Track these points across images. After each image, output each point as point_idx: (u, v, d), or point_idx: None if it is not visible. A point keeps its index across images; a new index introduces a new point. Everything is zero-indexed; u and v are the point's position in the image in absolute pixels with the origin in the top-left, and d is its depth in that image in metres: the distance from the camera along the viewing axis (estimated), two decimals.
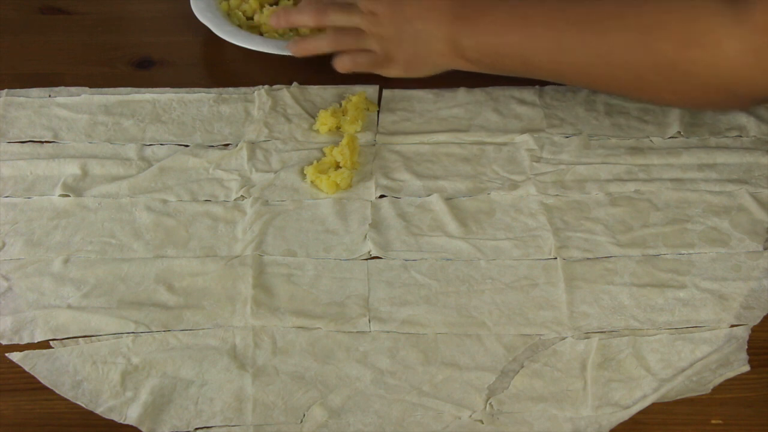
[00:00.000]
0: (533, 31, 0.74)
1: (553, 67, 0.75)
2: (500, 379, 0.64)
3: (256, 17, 0.92)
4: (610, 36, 0.70)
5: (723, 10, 0.65)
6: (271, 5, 0.93)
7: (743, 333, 0.66)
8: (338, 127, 0.82)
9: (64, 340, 0.65)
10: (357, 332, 0.66)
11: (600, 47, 0.71)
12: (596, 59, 0.72)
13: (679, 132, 0.82)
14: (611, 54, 0.70)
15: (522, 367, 0.64)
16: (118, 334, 0.66)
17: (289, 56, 0.87)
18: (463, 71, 0.82)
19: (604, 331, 0.67)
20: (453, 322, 0.67)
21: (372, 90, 0.87)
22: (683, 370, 0.64)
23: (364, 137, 0.82)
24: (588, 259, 0.71)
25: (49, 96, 0.85)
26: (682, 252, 0.72)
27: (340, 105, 0.84)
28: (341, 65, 0.85)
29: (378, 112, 0.85)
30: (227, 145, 0.81)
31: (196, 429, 0.61)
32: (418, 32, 0.80)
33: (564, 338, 0.66)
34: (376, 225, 0.74)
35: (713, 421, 0.61)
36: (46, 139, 0.81)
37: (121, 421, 0.61)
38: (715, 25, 0.65)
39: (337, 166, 0.78)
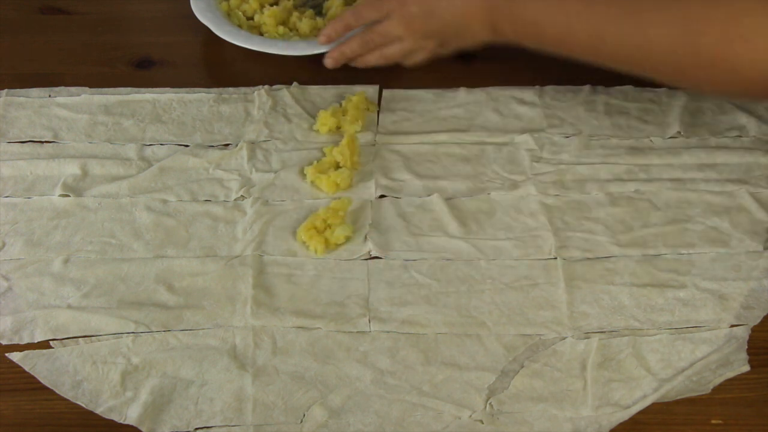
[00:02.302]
0: (573, 20, 0.74)
1: (592, 55, 0.75)
2: (500, 379, 0.64)
3: (256, 17, 0.92)
4: (653, 29, 0.69)
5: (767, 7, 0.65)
6: (271, 5, 0.93)
7: (743, 333, 0.66)
8: (338, 127, 0.82)
9: (64, 340, 0.65)
10: (357, 332, 0.66)
11: (641, 40, 0.70)
12: (636, 51, 0.71)
13: (679, 132, 0.82)
14: (652, 46, 0.70)
15: (522, 367, 0.64)
16: (118, 334, 0.66)
17: (288, 56, 0.87)
18: (462, 71, 0.82)
19: (604, 331, 0.67)
20: (453, 322, 0.67)
21: (372, 90, 0.87)
22: (683, 370, 0.64)
23: (364, 137, 0.82)
24: (588, 259, 0.71)
25: (49, 96, 0.85)
26: (682, 252, 0.72)
27: (340, 105, 0.84)
28: (364, 62, 0.86)
29: (378, 112, 0.85)
30: (227, 145, 0.81)
31: (196, 429, 0.61)
32: (454, 18, 0.80)
33: (564, 338, 0.66)
34: (376, 225, 0.74)
35: (713, 421, 0.61)
36: (46, 139, 0.81)
37: (121, 421, 0.61)
38: (759, 22, 0.65)
39: (337, 166, 0.78)
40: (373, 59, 0.85)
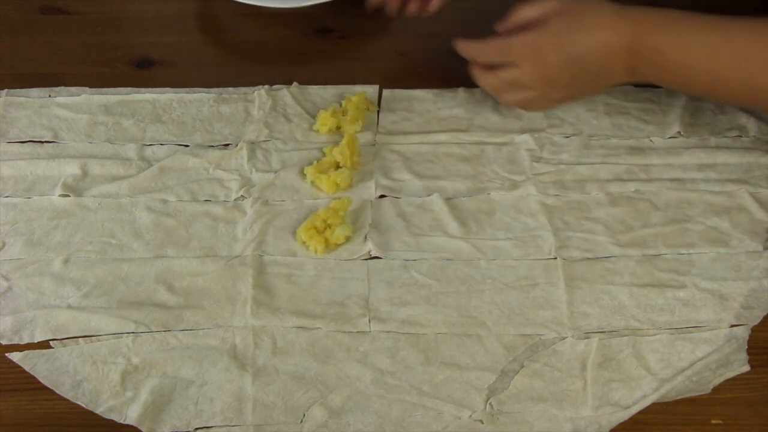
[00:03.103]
0: (725, 68, 0.70)
1: (745, 102, 0.74)
2: (500, 379, 0.64)
3: None
4: None
5: None
6: None
7: (743, 333, 0.66)
8: (338, 127, 0.82)
9: (64, 340, 0.65)
10: (357, 332, 0.66)
11: None
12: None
13: (679, 132, 0.82)
14: None
15: (522, 367, 0.64)
16: (118, 334, 0.66)
17: (288, 54, 0.87)
18: (462, 71, 0.81)
19: (604, 331, 0.67)
20: (453, 322, 0.67)
21: (372, 90, 0.87)
22: (683, 370, 0.64)
23: (364, 137, 0.82)
24: (588, 259, 0.71)
25: (49, 96, 0.85)
26: (682, 252, 0.72)
27: (340, 105, 0.84)
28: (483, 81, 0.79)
29: (378, 112, 0.85)
30: (227, 145, 0.81)
31: (196, 429, 0.61)
32: (595, 64, 0.73)
33: (564, 338, 0.66)
34: (376, 225, 0.74)
35: (713, 421, 0.61)
36: (46, 139, 0.81)
37: (121, 421, 0.61)
38: None
39: (337, 166, 0.78)
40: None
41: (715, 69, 0.70)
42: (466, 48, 0.78)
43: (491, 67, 0.77)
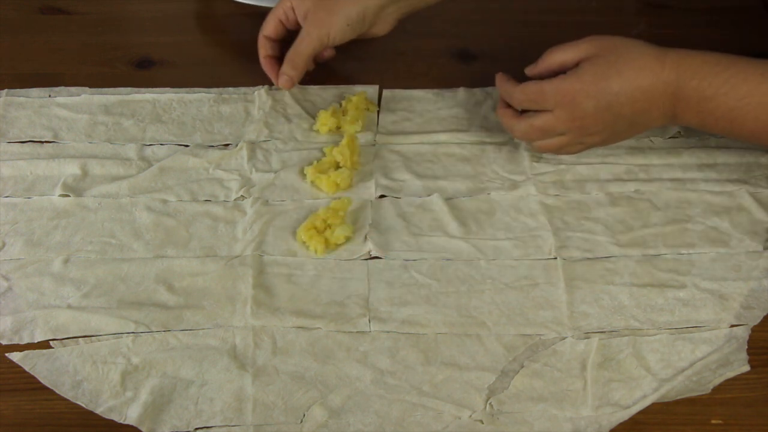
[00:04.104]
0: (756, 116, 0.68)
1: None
2: (500, 379, 0.64)
3: None
4: None
5: None
6: None
7: (743, 333, 0.66)
8: (338, 127, 0.82)
9: (64, 340, 0.65)
10: (357, 332, 0.66)
11: None
12: None
13: (679, 132, 0.82)
14: None
15: (522, 367, 0.64)
16: (118, 334, 0.66)
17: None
18: (462, 71, 0.82)
19: (604, 331, 0.67)
20: (453, 322, 0.67)
21: (372, 90, 0.87)
22: (683, 370, 0.64)
23: (364, 137, 0.82)
24: (588, 259, 0.71)
25: (49, 96, 0.85)
26: (682, 252, 0.72)
27: (340, 105, 0.84)
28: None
29: (378, 112, 0.85)
30: (227, 145, 0.81)
31: (196, 429, 0.61)
32: (633, 111, 0.71)
33: (564, 338, 0.66)
34: (376, 225, 0.74)
35: (713, 421, 0.61)
36: (46, 139, 0.81)
37: (121, 421, 0.61)
38: None
39: (337, 166, 0.78)
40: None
41: (765, 117, 0.68)
42: (501, 86, 0.75)
43: (523, 112, 0.74)
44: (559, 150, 0.75)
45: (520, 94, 0.73)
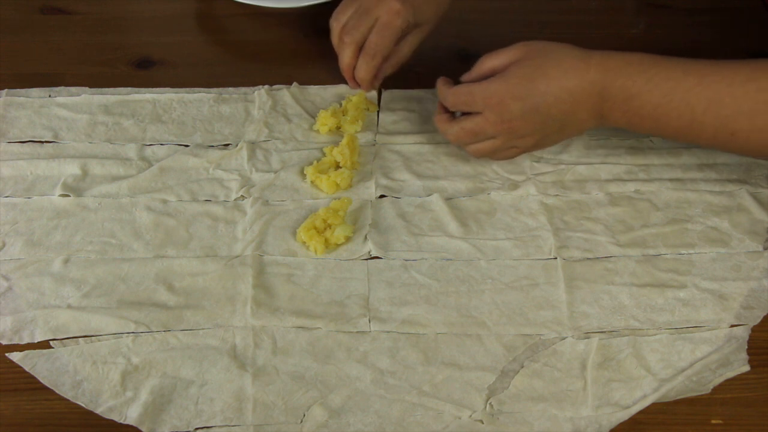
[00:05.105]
0: (698, 114, 0.68)
1: (721, 147, 0.71)
2: (500, 379, 0.64)
3: None
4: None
5: None
6: None
7: (743, 333, 0.66)
8: (338, 127, 0.82)
9: (64, 340, 0.65)
10: (357, 332, 0.66)
11: None
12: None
13: None
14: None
15: (522, 367, 0.64)
16: (118, 334, 0.66)
17: (288, 54, 0.87)
18: (462, 71, 0.81)
19: (604, 331, 0.67)
20: (453, 322, 0.67)
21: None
22: (683, 370, 0.64)
23: (364, 137, 0.82)
24: (588, 259, 0.71)
25: (49, 96, 0.85)
26: (682, 252, 0.72)
27: (340, 105, 0.84)
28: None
29: (378, 112, 0.85)
30: (227, 145, 0.81)
31: (196, 429, 0.61)
32: (560, 113, 0.71)
33: (564, 338, 0.66)
34: (376, 225, 0.74)
35: (713, 421, 0.61)
36: (46, 139, 0.81)
37: (121, 421, 0.61)
38: None
39: (337, 166, 0.78)
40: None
41: (689, 114, 0.68)
42: (438, 89, 0.76)
43: (458, 117, 0.75)
44: (493, 154, 0.75)
45: (452, 96, 0.74)
